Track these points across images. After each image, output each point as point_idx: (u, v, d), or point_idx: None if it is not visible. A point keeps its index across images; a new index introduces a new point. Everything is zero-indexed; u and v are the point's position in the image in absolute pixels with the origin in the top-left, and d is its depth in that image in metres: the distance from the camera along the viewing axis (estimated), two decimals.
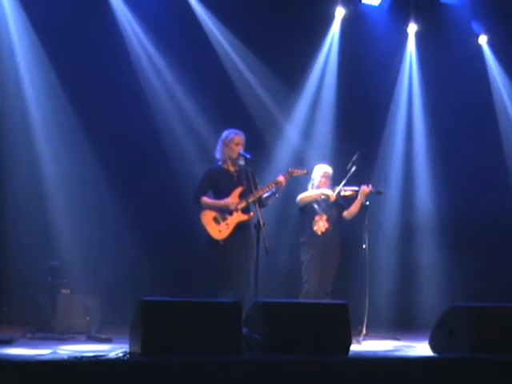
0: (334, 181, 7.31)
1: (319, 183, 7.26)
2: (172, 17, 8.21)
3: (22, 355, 5.28)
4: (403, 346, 6.90)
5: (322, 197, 7.15)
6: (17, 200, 7.60)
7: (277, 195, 6.50)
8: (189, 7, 8.44)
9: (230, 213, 6.29)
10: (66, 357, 4.64)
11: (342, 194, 7.23)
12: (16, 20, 7.73)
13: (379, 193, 7.42)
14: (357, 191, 7.21)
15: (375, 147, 9.10)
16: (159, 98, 8.27)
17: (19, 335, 6.42)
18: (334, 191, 7.17)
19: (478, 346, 4.71)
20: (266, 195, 6.44)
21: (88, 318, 6.95)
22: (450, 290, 8.64)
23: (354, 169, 7.20)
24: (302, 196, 7.20)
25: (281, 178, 6.44)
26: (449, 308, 5.07)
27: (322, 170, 7.32)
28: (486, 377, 4.34)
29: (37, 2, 7.70)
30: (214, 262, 6.29)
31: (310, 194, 7.19)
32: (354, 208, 7.22)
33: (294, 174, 6.67)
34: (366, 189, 7.19)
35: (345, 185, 7.23)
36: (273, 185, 6.43)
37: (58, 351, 5.56)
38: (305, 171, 6.85)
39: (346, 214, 7.24)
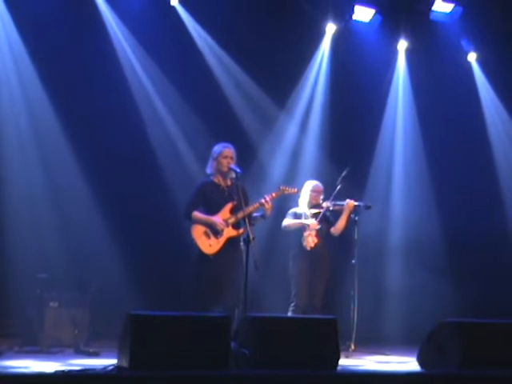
0: (326, 196, 7.32)
1: (310, 198, 7.29)
2: (164, 30, 8.25)
3: (8, 369, 5.24)
4: (391, 361, 6.90)
5: (303, 225, 7.13)
6: (5, 213, 7.57)
7: (265, 218, 6.48)
8: (180, 21, 8.48)
9: (219, 233, 6.27)
10: (53, 371, 4.60)
11: (331, 208, 7.27)
12: (4, 29, 7.75)
13: (367, 207, 7.43)
14: (343, 206, 7.23)
15: (366, 163, 9.13)
16: (150, 112, 8.29)
17: (6, 348, 6.39)
18: (319, 213, 7.15)
19: (466, 362, 4.72)
20: (253, 215, 6.43)
21: (76, 332, 6.91)
22: (439, 305, 8.65)
23: (340, 185, 7.23)
24: (284, 224, 7.22)
25: (262, 201, 6.34)
26: (437, 324, 5.08)
27: (311, 185, 7.34)
28: None
29: (27, 14, 7.71)
30: (203, 277, 6.27)
31: (291, 222, 7.18)
32: (341, 224, 7.23)
33: (286, 192, 6.67)
34: (350, 203, 7.21)
35: (333, 200, 7.25)
36: (258, 204, 6.40)
37: (46, 365, 5.53)
38: (295, 190, 6.83)
39: (333, 230, 7.25)
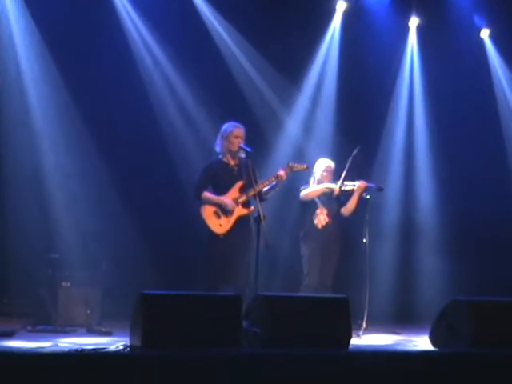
0: (336, 175, 7.29)
1: (321, 177, 7.25)
2: (174, 11, 8.18)
3: (22, 348, 5.28)
4: (403, 340, 6.91)
5: (327, 190, 7.12)
6: (18, 193, 7.60)
7: (277, 189, 6.49)
8: (190, 1, 8.43)
9: (229, 212, 6.27)
10: (66, 350, 4.63)
11: (343, 188, 7.22)
12: (17, 16, 7.72)
13: (380, 189, 7.38)
14: (354, 186, 7.18)
15: (376, 142, 9.08)
16: (160, 93, 8.26)
17: (20, 328, 6.43)
18: (336, 185, 7.14)
19: (478, 340, 4.72)
20: (266, 189, 6.42)
21: (88, 311, 6.96)
22: (450, 284, 8.64)
23: (349, 163, 7.14)
24: (305, 192, 7.16)
25: (281, 173, 6.40)
26: (449, 302, 5.07)
27: (323, 164, 7.30)
28: (486, 371, 4.35)
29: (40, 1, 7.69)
30: (214, 256, 6.29)
31: (314, 189, 7.15)
32: (351, 204, 7.20)
33: (294, 169, 6.64)
34: (361, 184, 7.15)
35: (345, 179, 7.20)
36: (273, 178, 6.41)
37: (59, 344, 5.57)
38: (305, 166, 6.81)
39: (343, 210, 7.22)
